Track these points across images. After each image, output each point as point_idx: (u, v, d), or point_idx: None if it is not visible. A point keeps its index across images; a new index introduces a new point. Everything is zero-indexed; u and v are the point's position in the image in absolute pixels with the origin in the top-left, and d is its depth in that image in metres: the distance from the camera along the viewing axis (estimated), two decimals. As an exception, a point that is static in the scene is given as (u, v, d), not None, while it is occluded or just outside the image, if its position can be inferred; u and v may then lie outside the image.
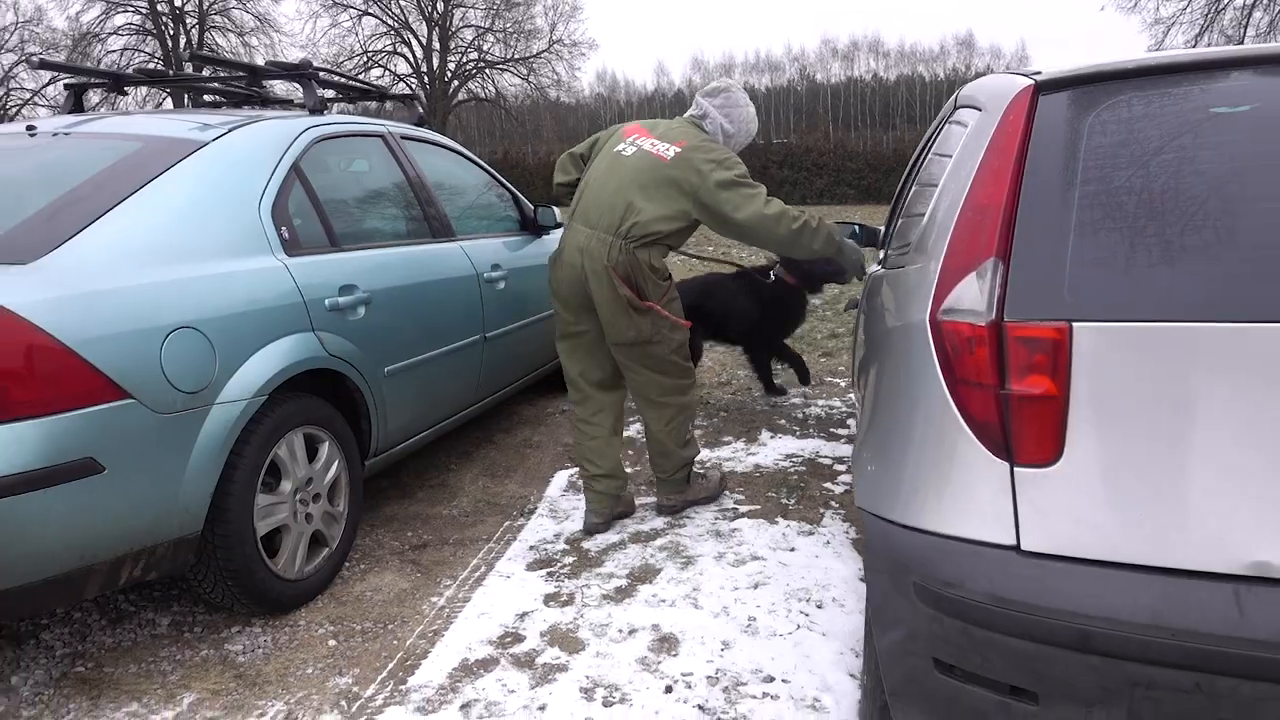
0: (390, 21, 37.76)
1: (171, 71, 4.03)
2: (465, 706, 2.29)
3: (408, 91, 5.00)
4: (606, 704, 2.28)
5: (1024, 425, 1.51)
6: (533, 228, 4.79)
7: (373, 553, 3.25)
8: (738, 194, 3.01)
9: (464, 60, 38.75)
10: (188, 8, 36.91)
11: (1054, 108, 1.72)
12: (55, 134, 2.90)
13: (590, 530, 3.34)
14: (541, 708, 2.27)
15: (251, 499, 2.59)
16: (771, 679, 2.37)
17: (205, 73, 4.23)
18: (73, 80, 3.62)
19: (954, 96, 2.51)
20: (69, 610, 2.84)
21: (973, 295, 1.59)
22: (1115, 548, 1.44)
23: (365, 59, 37.03)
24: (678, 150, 3.09)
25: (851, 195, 28.09)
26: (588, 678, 2.40)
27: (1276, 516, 1.37)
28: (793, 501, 3.60)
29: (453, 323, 3.67)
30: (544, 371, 4.83)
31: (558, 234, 5.12)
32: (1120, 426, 1.46)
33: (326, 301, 2.90)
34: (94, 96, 3.99)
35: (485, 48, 38.60)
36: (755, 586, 2.88)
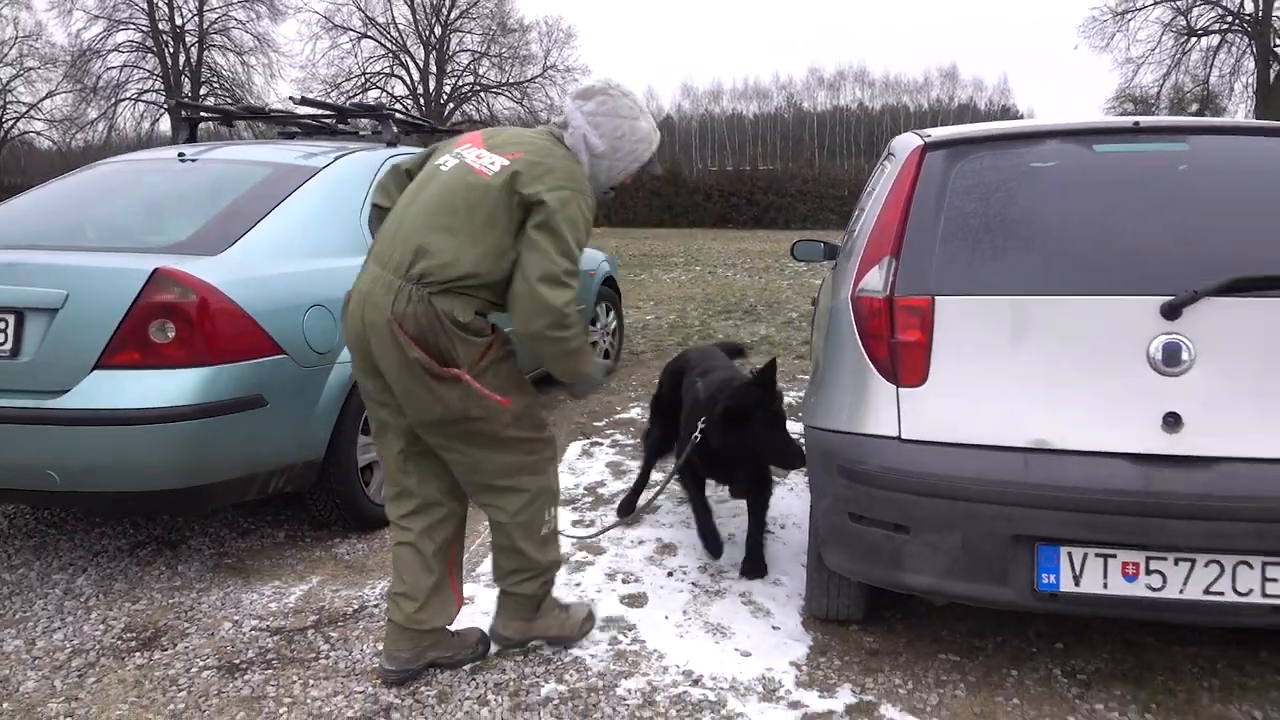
0: (388, 45, 38.83)
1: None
2: (522, 583, 3.13)
3: (455, 125, 5.86)
4: (624, 582, 3.14)
5: (905, 361, 2.39)
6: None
7: (432, 494, 4.09)
8: (545, 240, 2.20)
9: (459, 84, 39.81)
10: (188, 27, 37.79)
11: (934, 160, 2.61)
12: (199, 159, 3.76)
13: (387, 682, 2.47)
14: (578, 584, 3.13)
15: (355, 438, 3.44)
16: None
17: (293, 110, 5.08)
18: (190, 115, 4.48)
19: (888, 145, 3.41)
20: (205, 526, 3.66)
21: (876, 279, 2.47)
22: (958, 434, 2.32)
23: (363, 80, 37.99)
24: (505, 164, 2.26)
25: (834, 221, 29.14)
26: (610, 568, 3.25)
27: (1048, 411, 2.25)
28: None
29: (493, 315, 4.54)
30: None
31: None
32: (962, 360, 2.34)
33: (408, 292, 3.76)
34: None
35: (481, 72, 39.71)
36: (734, 516, 3.73)
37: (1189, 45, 31.00)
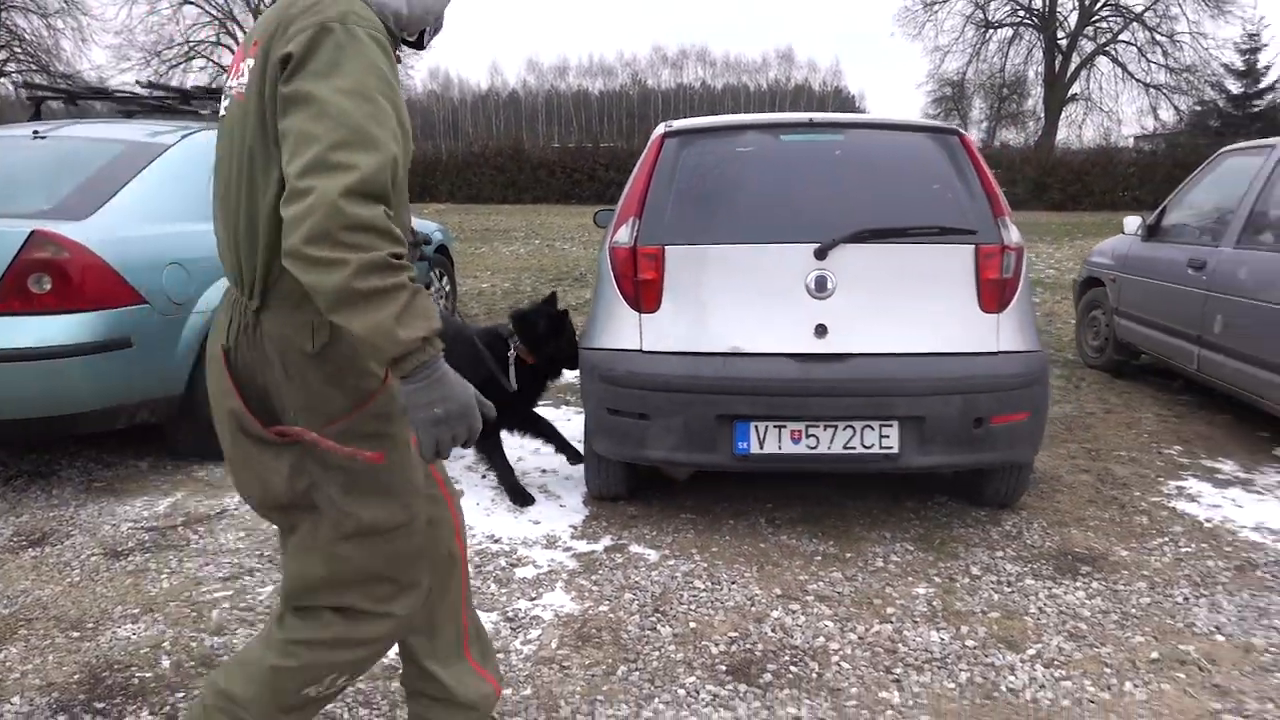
0: (213, 12, 37.09)
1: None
2: (361, 488, 3.83)
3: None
4: (447, 483, 3.89)
5: (644, 294, 3.25)
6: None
7: (280, 431, 4.69)
8: (297, 113, 1.35)
9: (293, 54, 38.48)
10: (-17, -14, 34.83)
11: (671, 145, 3.47)
12: (50, 137, 4.20)
13: None
14: (408, 487, 3.85)
15: (211, 377, 4.02)
16: (544, 471, 4.05)
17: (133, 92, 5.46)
18: (36, 94, 4.84)
19: (656, 132, 4.26)
20: (72, 460, 4.15)
21: (625, 234, 3.31)
22: (680, 345, 3.20)
23: (187, 49, 36.21)
24: (251, 64, 1.47)
25: (672, 197, 30.32)
26: (435, 475, 3.99)
27: (740, 326, 3.16)
28: (574, 397, 5.30)
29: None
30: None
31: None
32: (684, 292, 3.22)
33: (253, 253, 4.34)
34: None
35: (315, 43, 38.45)
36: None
37: (988, 36, 34.00)
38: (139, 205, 3.82)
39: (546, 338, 3.67)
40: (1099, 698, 2.30)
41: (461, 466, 4.11)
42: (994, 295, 3.19)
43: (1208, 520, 3.49)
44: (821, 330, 3.14)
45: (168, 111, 5.41)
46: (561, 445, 3.92)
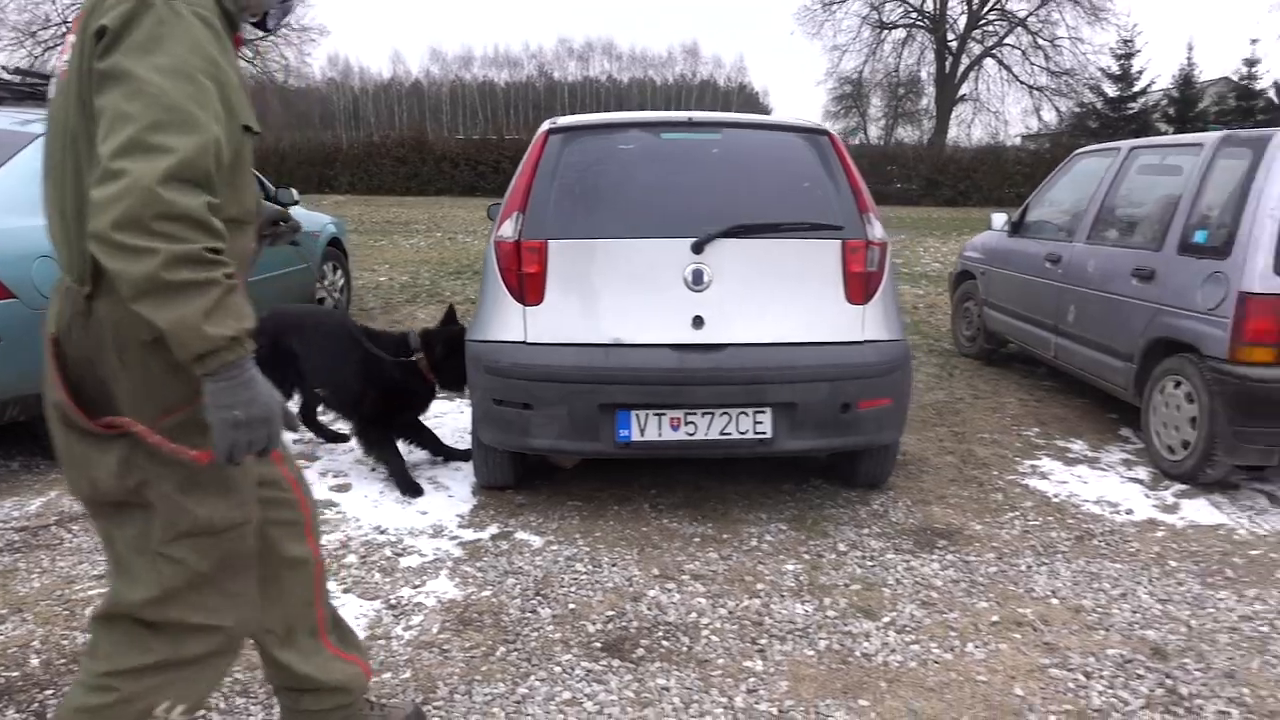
0: (94, -9, 35.19)
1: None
2: (246, 483, 3.80)
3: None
4: (335, 476, 3.89)
5: (528, 287, 3.32)
6: (274, 203, 6.16)
7: (163, 428, 4.60)
8: (111, 90, 1.31)
9: (181, 38, 36.88)
10: None
11: (554, 141, 3.55)
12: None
13: None
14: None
15: (86, 373, 3.91)
16: (434, 462, 4.09)
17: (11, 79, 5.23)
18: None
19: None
20: (-65, 462, 3.98)
21: (510, 228, 3.38)
22: (564, 337, 3.28)
23: (65, 30, 34.26)
24: (72, 40, 1.43)
25: (578, 190, 30.26)
26: (323, 468, 3.99)
27: (621, 318, 3.26)
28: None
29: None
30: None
31: (294, 210, 6.53)
32: (567, 285, 3.31)
33: (131, 245, 4.23)
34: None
35: (205, 26, 36.94)
36: (437, 427, 4.57)
37: (883, 36, 35.03)
38: (5, 196, 3.69)
39: (447, 360, 3.77)
40: (943, 658, 2.50)
41: (351, 459, 4.12)
42: (859, 287, 3.38)
43: (1055, 495, 3.78)
44: (699, 321, 3.28)
45: (38, 99, 5.20)
46: (447, 454, 4.10)
